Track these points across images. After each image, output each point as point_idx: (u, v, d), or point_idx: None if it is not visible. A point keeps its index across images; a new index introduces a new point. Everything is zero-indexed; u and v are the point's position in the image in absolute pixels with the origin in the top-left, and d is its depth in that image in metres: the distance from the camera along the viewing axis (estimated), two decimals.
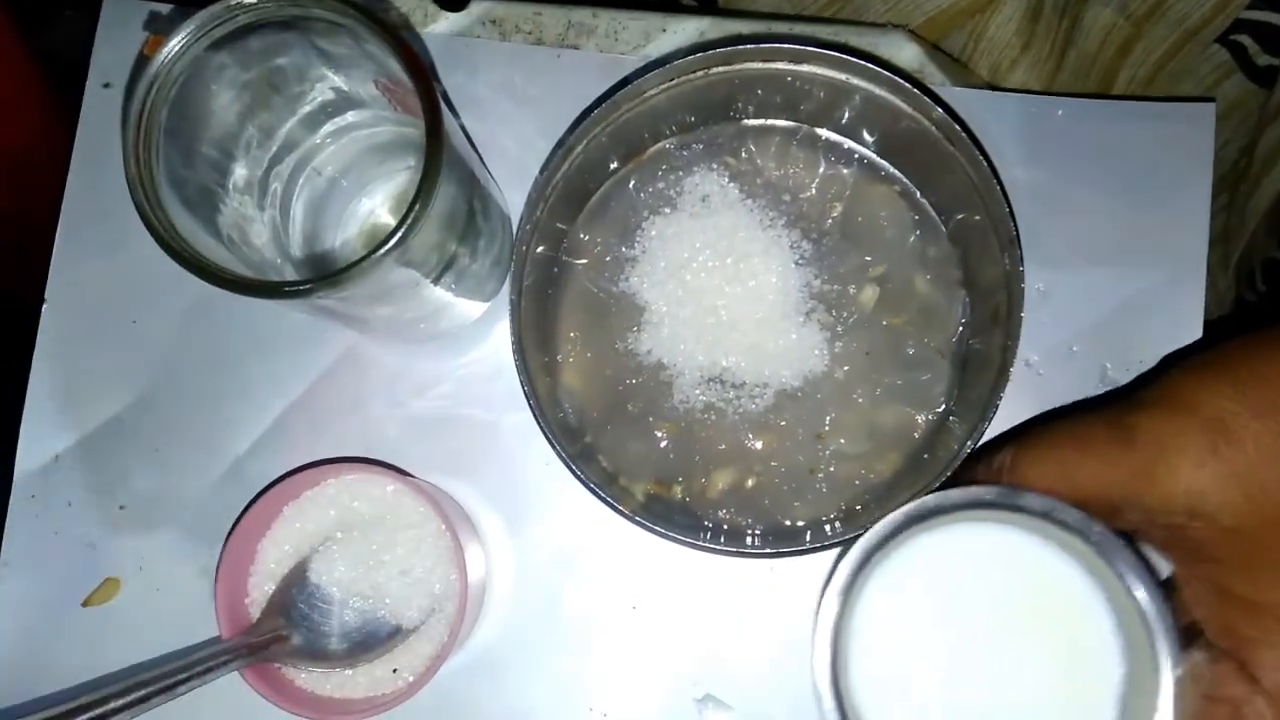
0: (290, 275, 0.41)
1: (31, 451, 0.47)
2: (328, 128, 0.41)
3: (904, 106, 0.40)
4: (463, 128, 0.46)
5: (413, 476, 0.44)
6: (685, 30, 0.48)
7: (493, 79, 0.48)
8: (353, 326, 0.45)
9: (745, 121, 0.44)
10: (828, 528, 0.42)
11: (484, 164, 0.46)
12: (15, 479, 0.47)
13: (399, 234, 0.32)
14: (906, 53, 0.48)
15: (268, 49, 0.35)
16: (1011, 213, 0.39)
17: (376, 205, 0.44)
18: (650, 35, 0.48)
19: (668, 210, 0.44)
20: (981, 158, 0.39)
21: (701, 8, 0.54)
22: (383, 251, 0.32)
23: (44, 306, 0.47)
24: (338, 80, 0.39)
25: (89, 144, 0.48)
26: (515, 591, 0.46)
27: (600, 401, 0.44)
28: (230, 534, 0.42)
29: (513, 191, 0.46)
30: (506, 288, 0.43)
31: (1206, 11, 0.47)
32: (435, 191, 0.32)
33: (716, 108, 0.44)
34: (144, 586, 0.46)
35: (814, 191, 0.44)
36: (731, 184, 0.44)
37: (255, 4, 0.32)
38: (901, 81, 0.40)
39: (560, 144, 0.41)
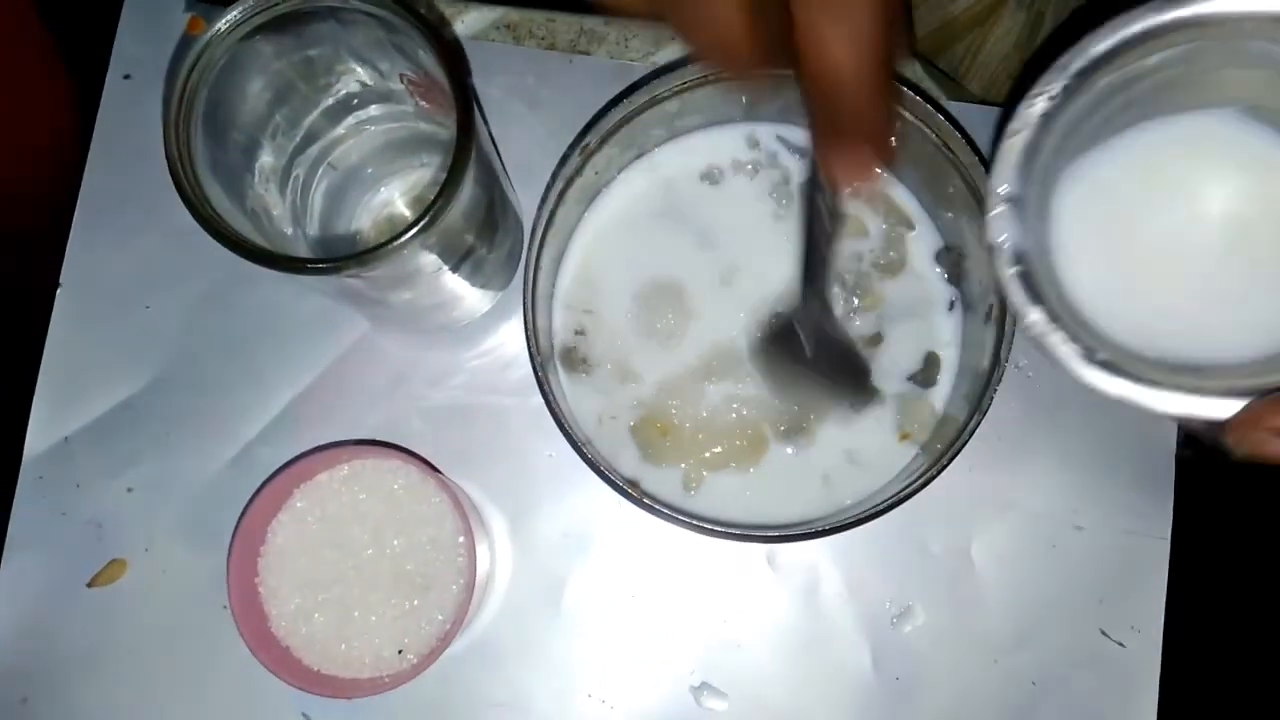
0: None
1: (41, 434, 0.47)
2: (350, 120, 0.42)
3: (907, 115, 0.42)
4: (486, 124, 0.47)
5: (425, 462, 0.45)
6: None
7: (506, 82, 0.49)
8: (367, 311, 0.46)
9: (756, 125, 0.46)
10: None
11: (502, 162, 0.47)
12: (24, 460, 0.47)
13: (428, 216, 0.33)
14: (905, 67, 0.50)
15: (303, 39, 0.37)
16: None
17: (393, 197, 0.46)
18: (660, 42, 0.49)
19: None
20: (980, 164, 0.41)
21: None
22: (412, 233, 0.33)
23: (58, 291, 0.48)
24: (364, 74, 0.40)
25: (108, 134, 0.49)
26: (517, 579, 0.47)
27: None
28: (243, 515, 0.42)
29: (523, 190, 0.48)
30: (516, 281, 0.44)
31: None
32: (464, 178, 0.34)
33: (723, 111, 0.46)
34: (150, 568, 0.46)
35: None
36: (740, 180, 0.46)
37: None
38: (905, 90, 0.42)
39: (576, 142, 0.42)
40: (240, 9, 0.33)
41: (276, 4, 0.33)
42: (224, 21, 0.33)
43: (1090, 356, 0.31)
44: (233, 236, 0.32)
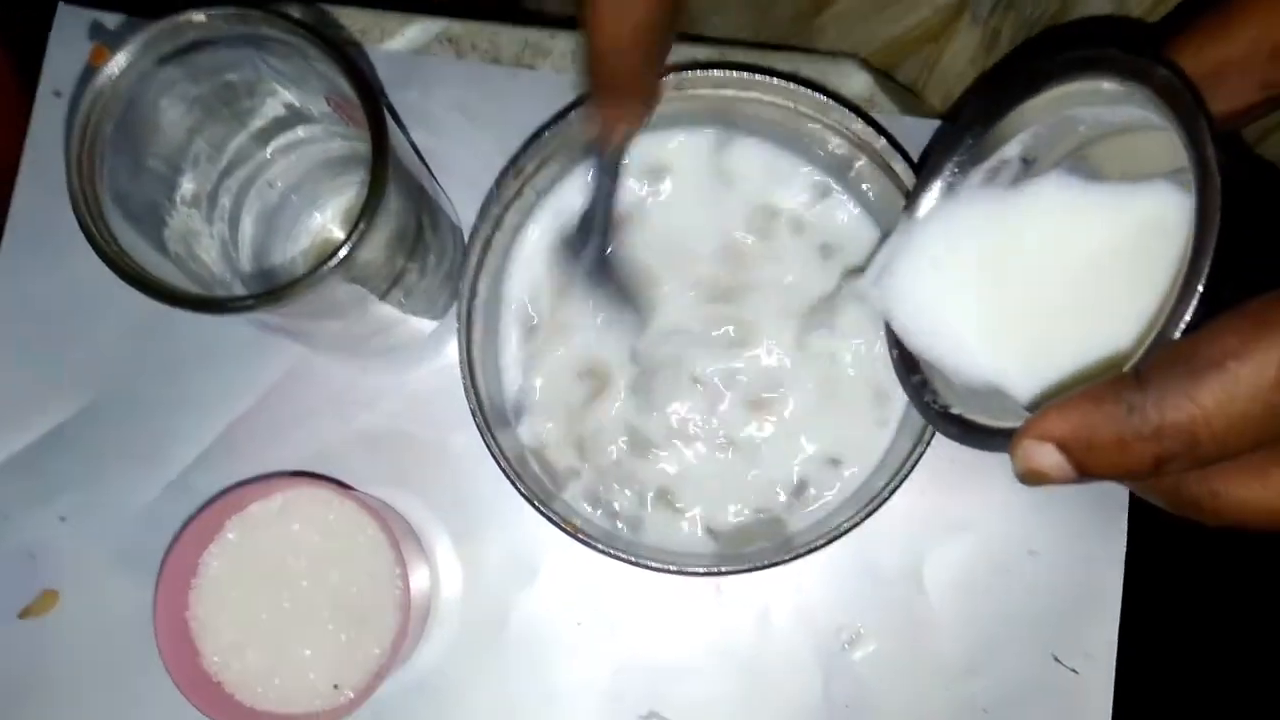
0: (239, 289, 0.41)
1: None
2: (279, 142, 0.41)
3: (852, 137, 0.42)
4: (413, 144, 0.46)
5: (358, 491, 0.44)
6: None
7: (447, 97, 0.48)
8: (301, 341, 0.45)
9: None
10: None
11: (436, 180, 0.46)
12: None
13: (345, 250, 0.32)
14: (856, 81, 0.49)
15: (218, 64, 0.35)
16: None
17: (328, 220, 0.44)
18: None
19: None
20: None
21: None
22: (328, 267, 0.32)
23: None
24: (289, 96, 0.39)
25: (38, 152, 0.47)
26: (462, 607, 0.46)
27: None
28: (171, 547, 0.41)
29: (466, 208, 0.47)
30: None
31: None
32: (381, 207, 0.33)
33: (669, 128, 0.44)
34: (83, 599, 0.45)
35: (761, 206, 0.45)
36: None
37: (204, 21, 0.32)
38: (846, 111, 0.41)
39: (512, 163, 0.41)
40: (142, 39, 0.31)
41: (180, 32, 0.32)
42: (125, 52, 0.31)
43: (936, 407, 0.35)
44: (137, 274, 0.31)
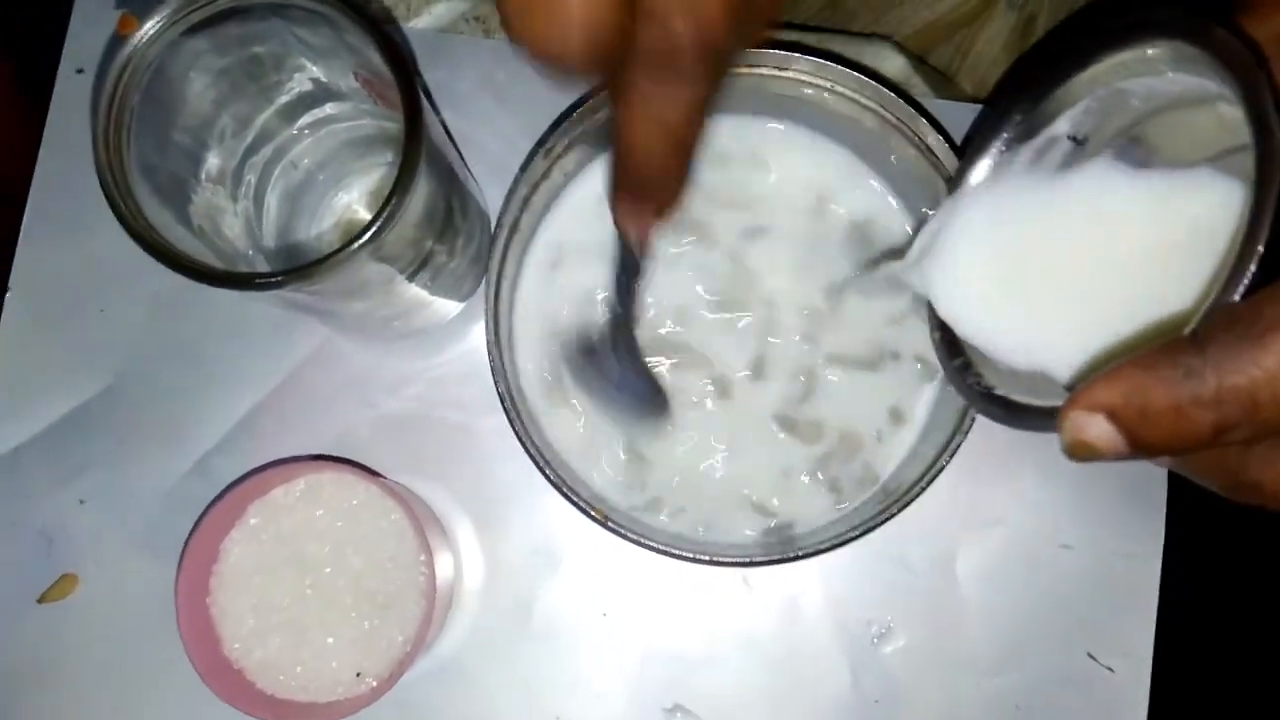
0: (262, 267, 0.40)
1: None
2: (306, 119, 0.40)
3: (888, 116, 0.40)
4: (443, 123, 0.45)
5: (383, 477, 0.44)
6: None
7: (475, 76, 0.47)
8: (325, 321, 0.44)
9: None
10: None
11: (464, 161, 0.45)
12: None
13: (374, 228, 0.32)
14: (892, 64, 0.48)
15: (246, 36, 0.34)
16: None
17: (353, 200, 0.44)
18: None
19: None
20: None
21: None
22: (357, 245, 0.31)
23: (7, 295, 0.46)
24: (317, 71, 0.38)
25: (59, 130, 0.47)
26: (484, 596, 0.45)
27: None
28: (192, 532, 0.41)
29: (492, 190, 0.46)
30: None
31: None
32: (412, 186, 0.32)
33: None
34: (102, 584, 0.45)
35: (796, 189, 0.44)
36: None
37: None
38: (887, 92, 0.40)
39: (540, 144, 0.40)
40: (171, 6, 0.31)
41: (209, 1, 0.31)
42: (154, 20, 0.30)
43: (979, 388, 0.34)
44: (163, 249, 0.30)
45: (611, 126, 0.26)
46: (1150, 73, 0.31)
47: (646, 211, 0.29)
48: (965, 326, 0.34)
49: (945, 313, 0.34)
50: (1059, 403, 0.26)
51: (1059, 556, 0.45)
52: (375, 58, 0.32)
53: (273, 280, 0.30)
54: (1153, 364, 0.23)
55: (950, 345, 0.36)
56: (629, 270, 0.34)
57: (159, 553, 0.44)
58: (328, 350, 0.46)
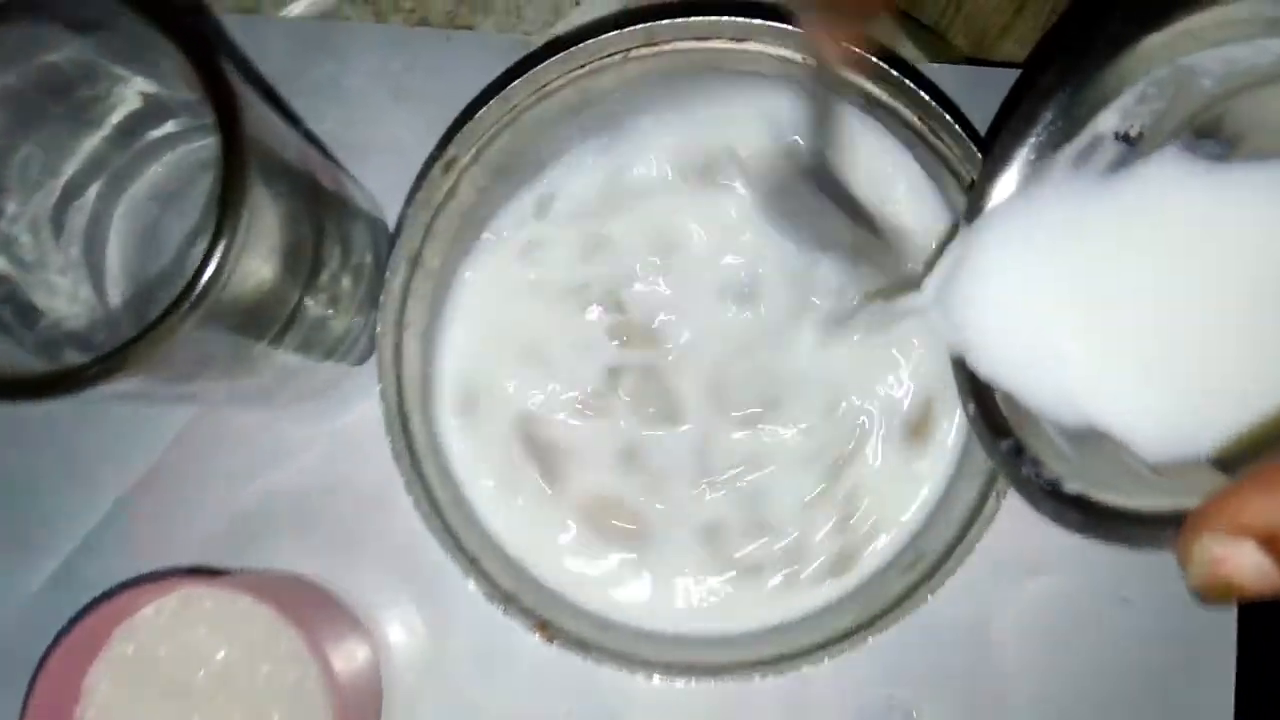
0: (113, 330, 0.32)
1: None
2: (142, 142, 0.33)
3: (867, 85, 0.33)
4: (308, 133, 0.37)
5: (254, 573, 0.36)
6: (603, 3, 0.40)
7: (367, 69, 0.39)
8: (188, 403, 0.36)
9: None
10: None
11: (350, 175, 0.37)
12: None
13: (194, 290, 0.23)
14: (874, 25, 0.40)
15: (23, 41, 0.26)
16: None
17: None
18: (560, 10, 0.39)
19: None
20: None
21: None
22: (175, 316, 0.23)
23: None
24: (141, 82, 0.30)
25: None
26: (417, 703, 0.37)
27: None
28: (41, 665, 0.33)
29: (392, 210, 0.37)
30: None
31: None
32: (241, 222, 0.24)
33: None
34: None
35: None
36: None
37: None
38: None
39: (436, 156, 0.32)
40: None
41: None
42: None
43: (1042, 482, 0.27)
44: None
45: None
46: (1233, 39, 0.23)
47: (845, 23, 0.27)
48: (1001, 374, 0.26)
49: (982, 365, 0.26)
50: (1164, 503, 0.18)
51: (1118, 612, 0.38)
52: (163, 42, 0.24)
53: (46, 384, 0.22)
54: None
55: (992, 420, 0.27)
56: (823, 100, 0.30)
57: (14, 675, 0.36)
58: (204, 423, 0.38)
